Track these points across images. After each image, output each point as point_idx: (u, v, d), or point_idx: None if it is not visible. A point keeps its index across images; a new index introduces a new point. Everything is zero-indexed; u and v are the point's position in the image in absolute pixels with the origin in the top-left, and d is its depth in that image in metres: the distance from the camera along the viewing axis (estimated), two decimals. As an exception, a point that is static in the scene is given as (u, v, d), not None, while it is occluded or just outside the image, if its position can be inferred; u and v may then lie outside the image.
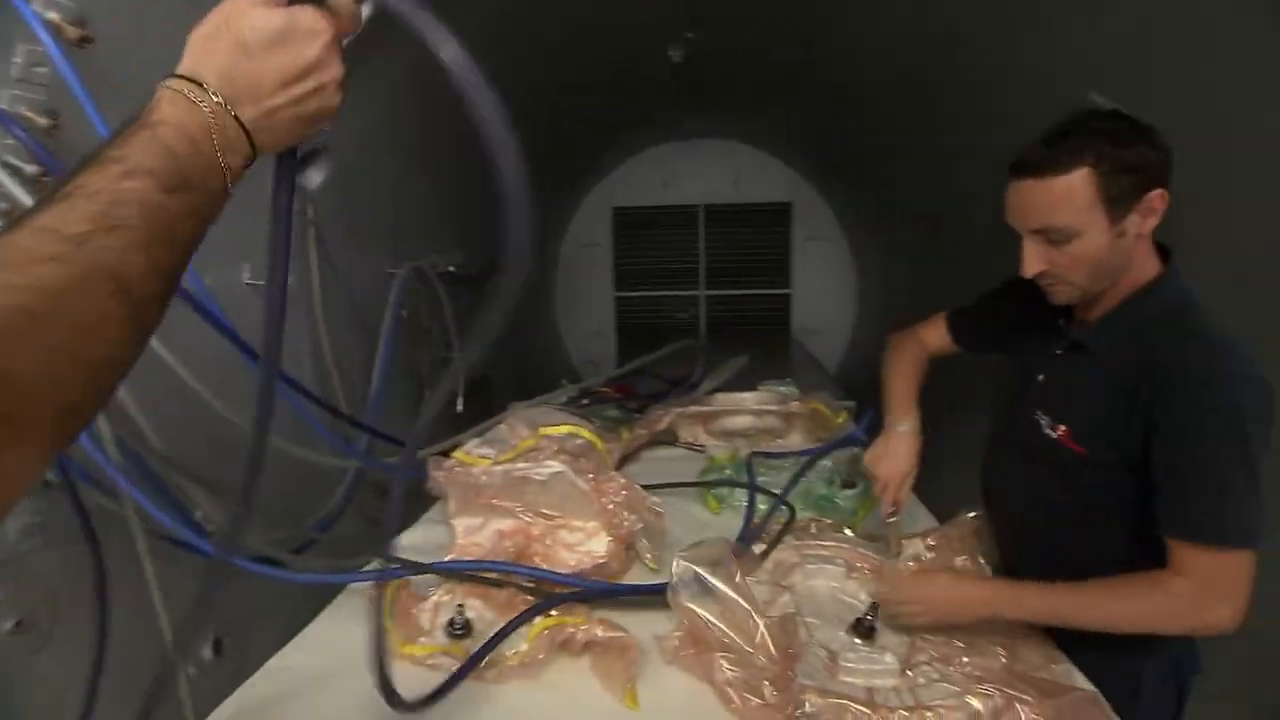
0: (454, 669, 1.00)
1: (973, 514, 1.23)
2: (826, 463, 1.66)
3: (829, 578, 1.19)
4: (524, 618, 1.03)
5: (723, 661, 0.92)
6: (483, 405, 2.49)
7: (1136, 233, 0.96)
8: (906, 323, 1.45)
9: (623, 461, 1.87)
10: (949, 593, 1.03)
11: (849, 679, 0.92)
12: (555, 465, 1.20)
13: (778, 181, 5.25)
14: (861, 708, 0.82)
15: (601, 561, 1.22)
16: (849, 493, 1.55)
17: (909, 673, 0.93)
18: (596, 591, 1.10)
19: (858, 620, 1.04)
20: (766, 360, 3.57)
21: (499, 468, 1.22)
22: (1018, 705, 0.82)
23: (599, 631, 0.99)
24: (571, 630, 1.00)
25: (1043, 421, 1.09)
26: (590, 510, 1.23)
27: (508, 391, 2.68)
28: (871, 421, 1.71)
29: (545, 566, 1.24)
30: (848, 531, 1.31)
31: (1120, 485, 1.00)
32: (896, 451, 1.27)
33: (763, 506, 1.51)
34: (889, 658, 0.94)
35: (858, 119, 3.59)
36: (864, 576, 1.19)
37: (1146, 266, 1.02)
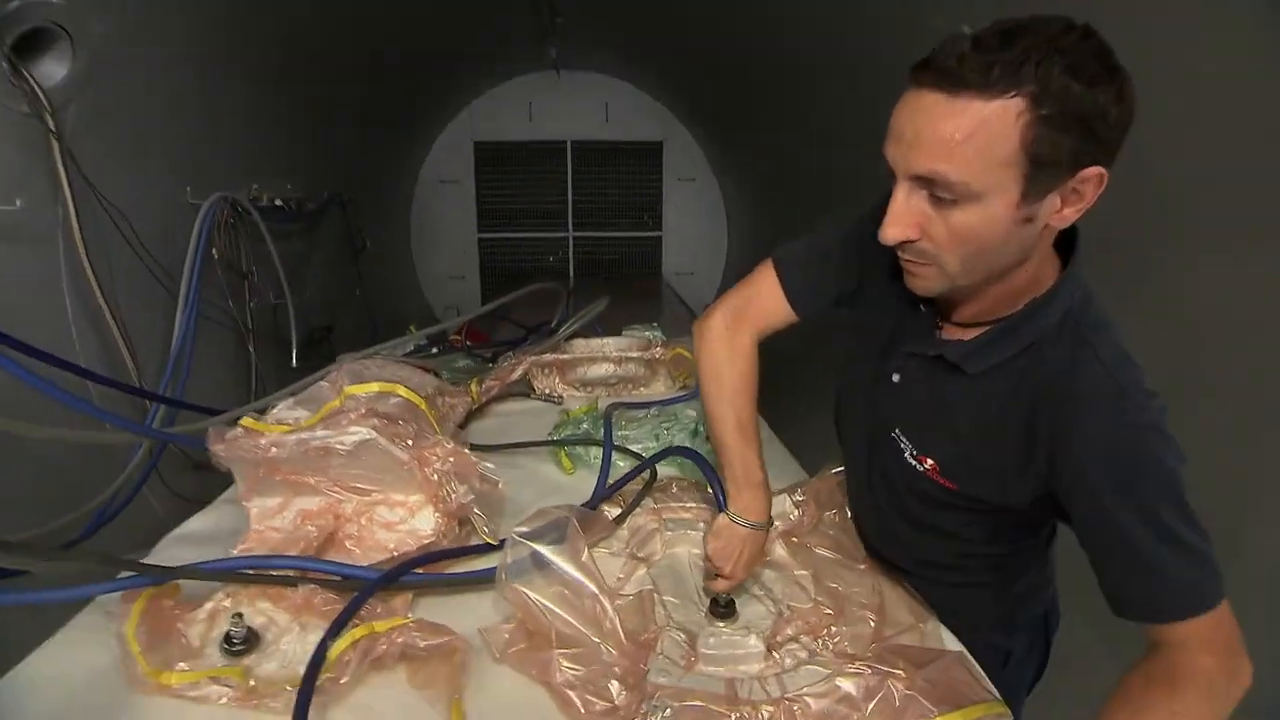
0: (229, 696, 0.79)
1: (840, 468, 1.14)
2: (690, 412, 1.54)
3: (691, 544, 1.06)
4: (324, 643, 0.81)
5: (561, 659, 0.77)
6: (328, 359, 2.18)
7: (1048, 223, 0.69)
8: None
9: (470, 417, 1.67)
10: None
11: (709, 668, 0.80)
12: (361, 430, 0.98)
13: (649, 119, 5.05)
14: (720, 709, 0.70)
15: (428, 541, 1.03)
16: (714, 444, 1.45)
17: (774, 654, 0.82)
18: (399, 579, 0.91)
19: (714, 601, 0.92)
20: (637, 305, 3.44)
21: (291, 437, 0.99)
22: (890, 683, 0.72)
23: (417, 638, 0.81)
24: (383, 642, 0.81)
25: (903, 444, 0.87)
26: (411, 482, 1.03)
27: (354, 343, 2.37)
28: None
29: (358, 551, 1.04)
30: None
31: (1004, 517, 0.85)
32: (739, 550, 0.93)
33: (622, 464, 1.37)
34: (752, 640, 0.83)
35: (731, 57, 3.43)
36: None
37: (1046, 270, 0.76)
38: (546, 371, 1.85)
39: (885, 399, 0.89)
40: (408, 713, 0.79)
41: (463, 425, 1.64)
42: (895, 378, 0.87)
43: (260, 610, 0.93)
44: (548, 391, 1.84)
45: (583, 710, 0.73)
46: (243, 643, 0.86)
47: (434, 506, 1.05)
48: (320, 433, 0.99)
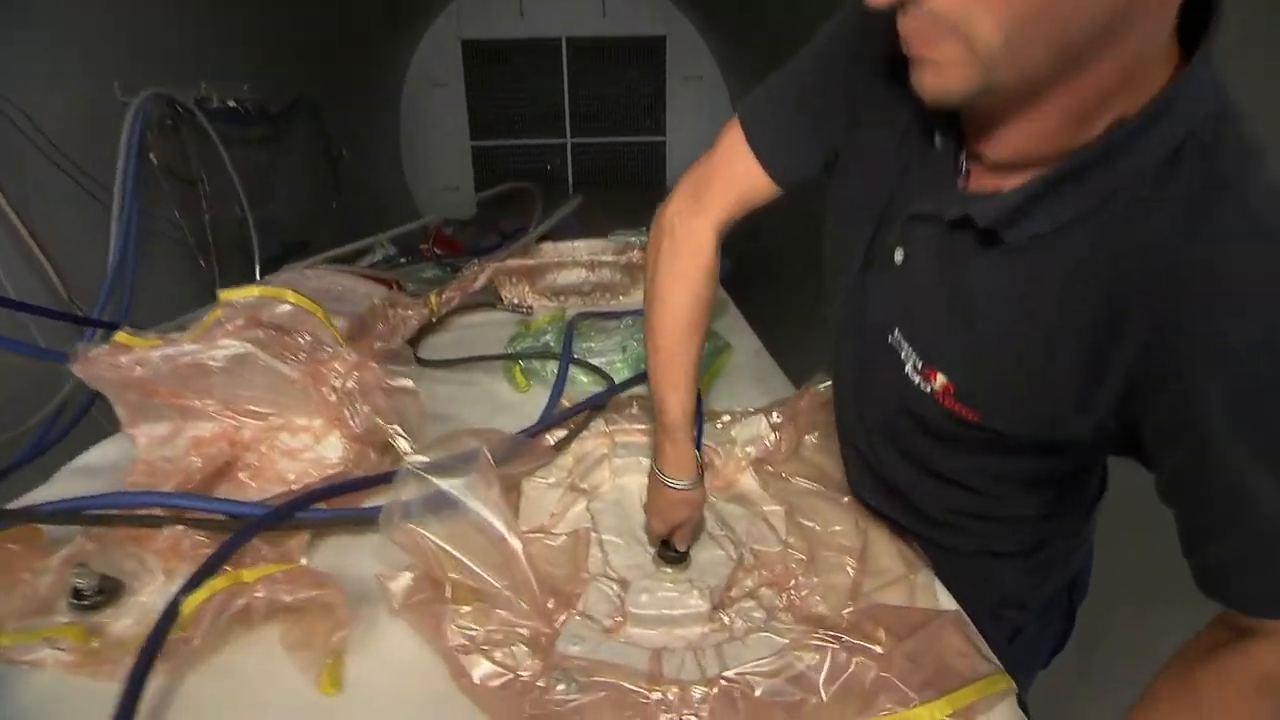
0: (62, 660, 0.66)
1: (828, 383, 0.96)
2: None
3: (645, 471, 0.90)
4: (177, 596, 0.67)
5: (455, 620, 0.62)
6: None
7: None
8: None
9: (427, 331, 1.51)
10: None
11: (638, 631, 0.65)
12: (233, 344, 0.81)
13: (650, 11, 4.63)
14: (637, 689, 0.54)
15: (335, 470, 0.88)
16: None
17: (724, 615, 0.67)
18: (287, 518, 0.76)
19: (664, 542, 0.76)
20: (638, 215, 3.17)
21: (156, 353, 0.82)
22: (858, 660, 0.56)
23: (283, 589, 0.66)
24: (247, 594, 0.66)
25: (904, 353, 0.62)
26: (309, 403, 0.87)
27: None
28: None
29: (253, 485, 0.89)
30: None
31: (1045, 463, 0.63)
32: (671, 513, 0.76)
33: (585, 380, 1.21)
34: (694, 598, 0.67)
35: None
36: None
37: (1150, 68, 0.47)
38: (514, 280, 1.67)
39: (880, 289, 0.64)
40: (274, 679, 0.65)
41: (417, 339, 1.48)
42: (897, 255, 0.61)
43: (130, 555, 0.79)
44: (516, 302, 1.66)
45: (476, 681, 0.59)
46: (96, 595, 0.72)
47: (340, 431, 0.89)
48: (188, 348, 0.82)
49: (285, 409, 0.90)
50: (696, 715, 0.54)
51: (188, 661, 0.66)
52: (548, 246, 1.70)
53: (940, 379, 0.59)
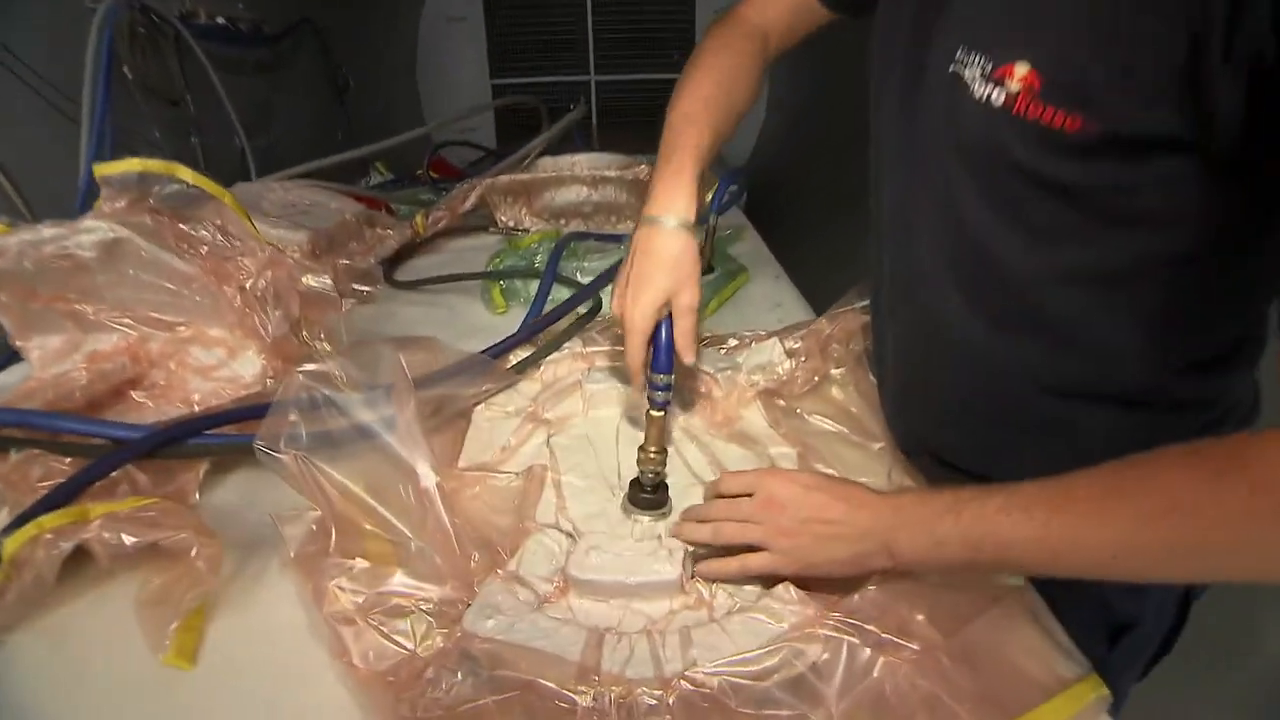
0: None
1: (864, 303, 0.78)
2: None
3: (625, 405, 0.73)
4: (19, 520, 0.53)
5: (339, 578, 0.46)
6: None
7: None
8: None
9: (411, 253, 1.35)
10: (826, 512, 0.47)
11: (582, 602, 0.48)
12: (102, 227, 0.65)
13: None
14: (561, 689, 0.38)
15: (251, 392, 0.72)
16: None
17: (701, 588, 0.49)
18: (136, 446, 0.60)
19: (635, 482, 0.59)
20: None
21: (11, 239, 0.66)
22: (885, 660, 0.39)
23: (128, 533, 0.51)
24: (77, 536, 0.51)
25: (969, 73, 0.46)
26: (214, 309, 0.71)
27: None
28: (732, 189, 1.20)
29: (150, 405, 0.74)
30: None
31: (1165, 241, 0.44)
32: (654, 271, 0.60)
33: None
34: (662, 559, 0.49)
35: None
36: (689, 403, 0.74)
37: None
38: (510, 200, 1.49)
39: (938, 18, 0.50)
40: (113, 647, 0.50)
41: (401, 262, 1.31)
42: None
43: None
44: (511, 224, 1.48)
45: (356, 661, 0.43)
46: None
47: (256, 345, 0.73)
48: (48, 233, 0.66)
49: (195, 317, 0.74)
50: (646, 729, 0.37)
51: (14, 619, 0.51)
52: (546, 161, 1.51)
53: (1020, 70, 0.43)
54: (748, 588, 0.49)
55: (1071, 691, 0.39)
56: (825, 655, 0.39)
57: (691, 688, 0.38)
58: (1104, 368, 0.51)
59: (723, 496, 0.54)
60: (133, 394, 0.74)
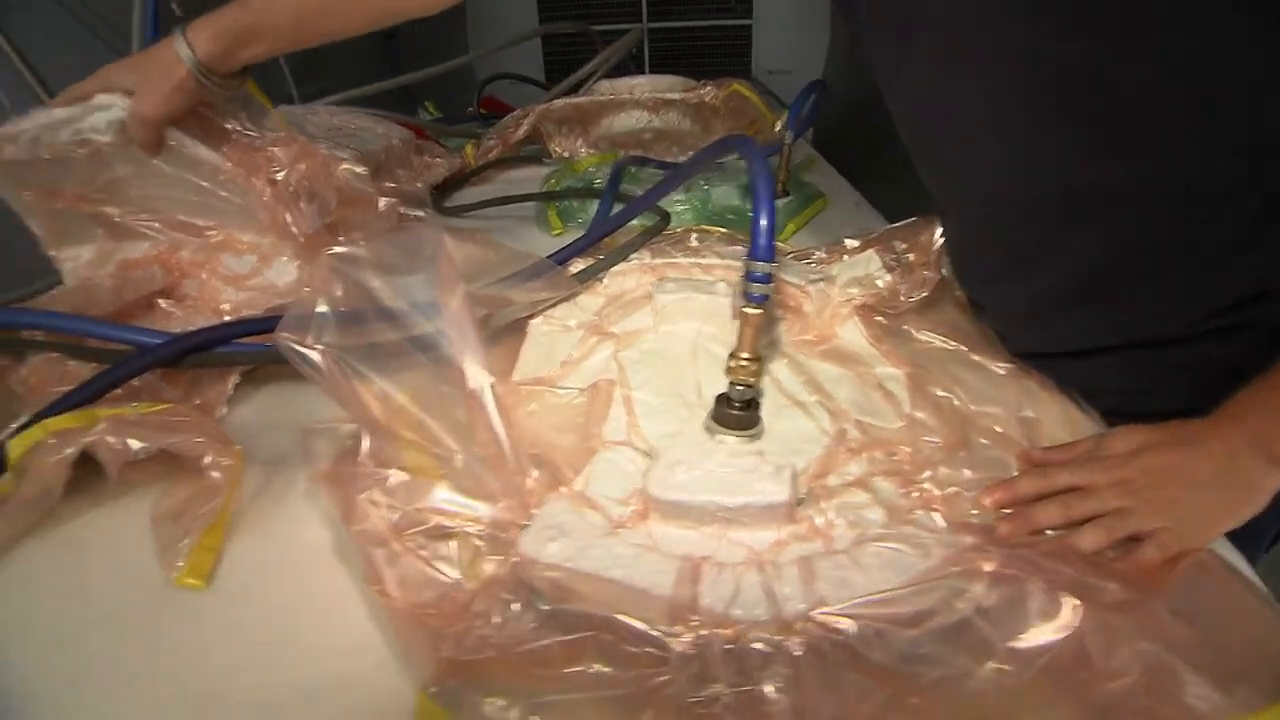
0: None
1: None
2: (742, 164, 1.07)
3: (703, 319, 0.63)
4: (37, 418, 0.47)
5: (373, 492, 0.38)
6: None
7: None
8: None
9: (459, 184, 1.26)
10: (1196, 463, 0.38)
11: (665, 529, 0.39)
12: (117, 103, 0.57)
13: None
14: (650, 634, 0.29)
15: (286, 302, 0.65)
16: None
17: (815, 515, 0.39)
18: (157, 351, 0.53)
19: (723, 398, 0.49)
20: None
21: (26, 125, 0.59)
22: (1077, 602, 0.29)
23: (135, 436, 0.44)
24: (82, 439, 0.44)
25: None
26: (244, 209, 0.64)
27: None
28: (808, 110, 1.07)
29: (178, 314, 0.67)
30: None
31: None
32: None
33: (634, 225, 0.93)
34: (770, 478, 0.39)
35: None
36: (772, 316, 0.64)
37: None
38: (564, 129, 1.39)
39: None
40: (125, 563, 0.43)
41: (450, 191, 1.23)
42: None
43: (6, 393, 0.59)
44: (566, 154, 1.38)
45: (391, 589, 0.35)
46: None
47: (290, 249, 0.66)
48: (59, 114, 0.59)
49: (225, 220, 0.67)
50: (757, 689, 0.28)
51: (21, 530, 0.45)
52: (603, 85, 1.40)
53: None
54: (871, 515, 0.39)
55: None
56: (994, 597, 0.30)
57: (822, 632, 0.29)
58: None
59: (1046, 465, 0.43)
60: (161, 303, 0.67)
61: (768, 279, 0.47)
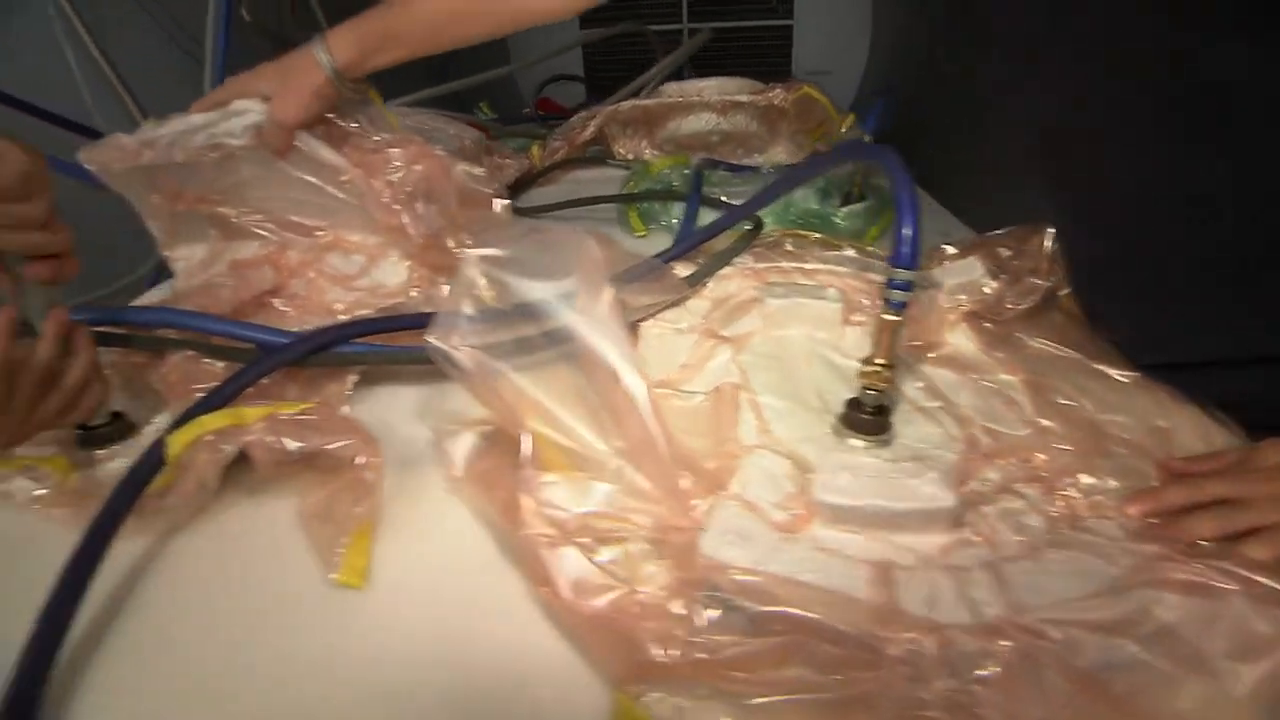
0: (40, 498, 0.49)
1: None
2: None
3: (813, 324, 0.63)
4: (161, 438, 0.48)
5: (538, 495, 0.39)
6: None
7: None
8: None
9: (525, 186, 1.28)
10: None
11: (832, 533, 0.39)
12: (254, 109, 0.59)
13: None
14: (860, 635, 0.29)
15: (394, 302, 0.66)
16: (853, 208, 0.97)
17: (979, 516, 0.39)
18: (290, 349, 0.55)
19: (853, 402, 0.50)
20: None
21: (164, 130, 0.62)
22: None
23: (291, 437, 0.45)
24: (240, 439, 0.46)
25: None
26: (355, 210, 0.65)
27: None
28: (883, 114, 1.07)
29: (292, 314, 0.69)
30: (850, 252, 0.73)
31: None
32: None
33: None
34: (929, 481, 0.40)
35: None
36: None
37: None
38: (629, 130, 1.40)
39: None
40: (281, 558, 0.45)
41: (517, 194, 1.25)
42: None
43: (146, 389, 0.61)
44: (631, 156, 1.39)
45: (566, 593, 0.35)
46: (105, 427, 0.55)
47: (399, 249, 0.67)
48: (197, 119, 0.61)
49: (335, 220, 0.69)
50: (969, 692, 0.28)
51: (176, 522, 0.47)
52: (671, 87, 1.40)
53: None
54: (1032, 522, 0.39)
55: None
56: (1194, 607, 0.30)
57: (1029, 638, 0.29)
58: None
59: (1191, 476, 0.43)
60: (274, 302, 0.69)
61: (909, 287, 0.47)
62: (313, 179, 0.64)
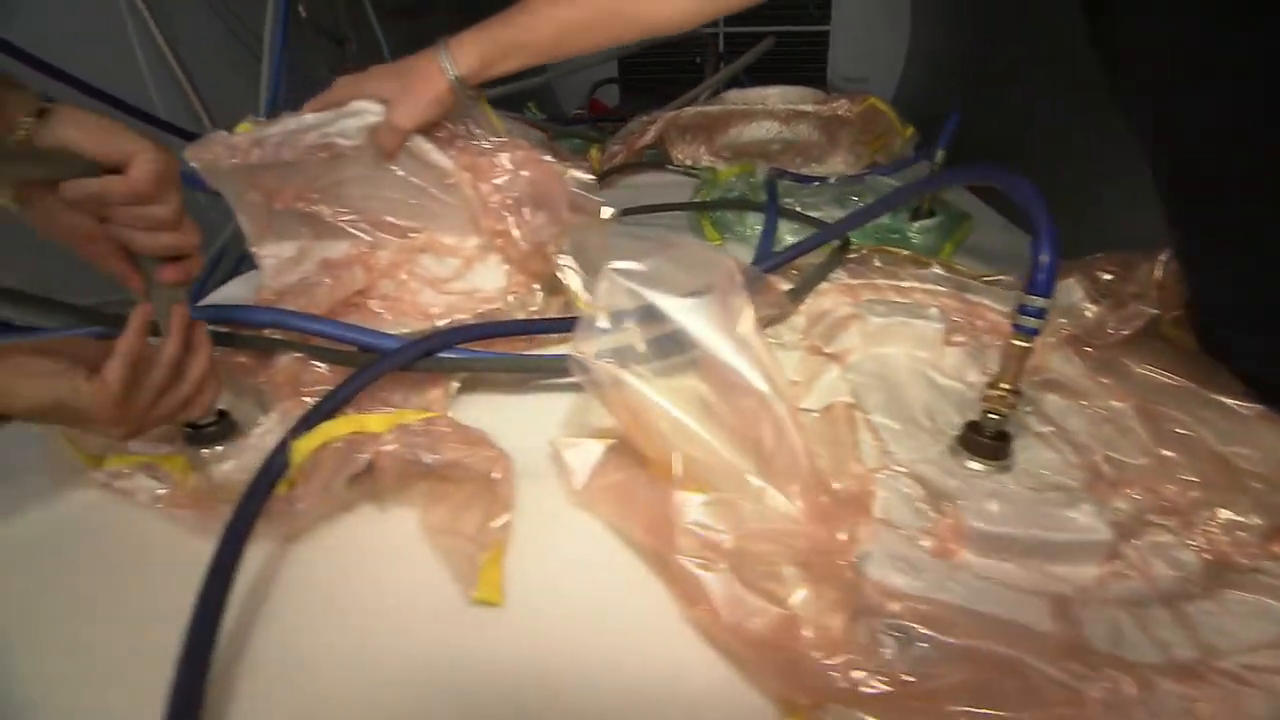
0: (162, 497, 0.50)
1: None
2: (893, 182, 1.06)
3: (914, 343, 0.63)
4: (284, 443, 0.48)
5: (688, 514, 0.39)
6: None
7: None
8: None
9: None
10: None
11: (984, 560, 0.38)
12: (370, 108, 0.60)
13: None
14: (1053, 672, 0.29)
15: (492, 308, 0.67)
16: (925, 224, 0.97)
17: (1135, 554, 0.39)
18: (405, 352, 0.55)
19: (972, 426, 0.49)
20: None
21: (274, 128, 0.62)
22: None
23: (425, 450, 0.45)
24: (371, 448, 0.46)
25: None
26: (459, 216, 0.65)
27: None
28: (954, 130, 1.06)
29: (388, 317, 0.69)
30: (938, 269, 0.73)
31: None
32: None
33: (790, 239, 0.93)
34: (1087, 512, 0.39)
35: None
36: (980, 343, 0.63)
37: None
38: (688, 136, 1.40)
39: None
40: (412, 580, 0.44)
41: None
42: None
43: (251, 390, 0.61)
44: (689, 163, 1.39)
45: (722, 613, 0.35)
46: (214, 425, 0.55)
47: (501, 254, 0.67)
48: (309, 119, 0.61)
49: (430, 222, 0.69)
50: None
51: (294, 529, 0.47)
52: (733, 94, 1.40)
53: None
54: (1184, 557, 0.38)
55: None
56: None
57: (1234, 685, 0.28)
58: None
59: None
60: (369, 304, 0.69)
61: (1044, 314, 0.46)
62: (417, 180, 0.64)
